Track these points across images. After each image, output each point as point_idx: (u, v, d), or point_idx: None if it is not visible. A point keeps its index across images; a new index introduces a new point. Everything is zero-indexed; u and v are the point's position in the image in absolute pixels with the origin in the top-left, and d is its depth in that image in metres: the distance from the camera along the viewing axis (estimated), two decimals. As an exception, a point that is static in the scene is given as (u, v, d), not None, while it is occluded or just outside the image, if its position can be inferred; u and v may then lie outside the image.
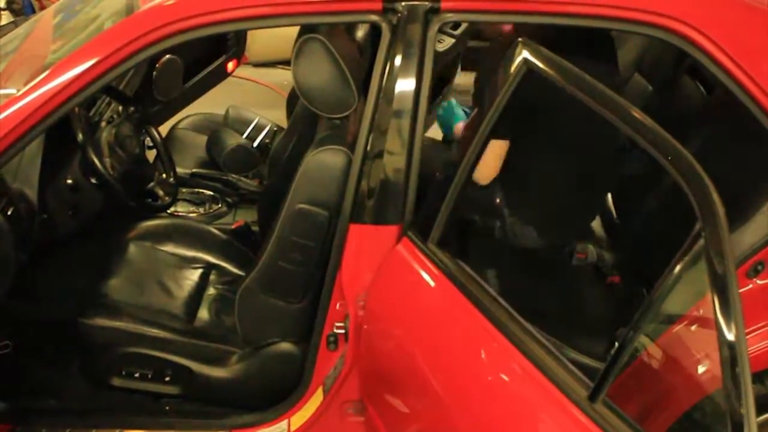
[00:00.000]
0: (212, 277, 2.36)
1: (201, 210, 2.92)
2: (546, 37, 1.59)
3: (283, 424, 1.98)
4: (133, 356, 2.07)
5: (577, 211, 2.09)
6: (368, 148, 1.68)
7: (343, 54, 1.71)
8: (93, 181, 2.27)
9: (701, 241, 1.09)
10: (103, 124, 2.46)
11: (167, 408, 2.12)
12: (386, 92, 1.63)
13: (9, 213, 1.82)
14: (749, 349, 1.05)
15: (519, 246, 2.06)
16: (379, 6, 1.60)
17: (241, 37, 3.44)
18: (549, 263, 2.16)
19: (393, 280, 1.70)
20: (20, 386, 2.09)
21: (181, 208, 2.89)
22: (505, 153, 1.83)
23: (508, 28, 2.00)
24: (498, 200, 2.01)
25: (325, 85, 1.72)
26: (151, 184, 2.57)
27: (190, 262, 2.38)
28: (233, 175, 2.98)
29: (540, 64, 1.43)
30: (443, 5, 1.59)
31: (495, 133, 1.62)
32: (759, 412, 1.44)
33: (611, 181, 2.17)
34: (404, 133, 1.65)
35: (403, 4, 1.59)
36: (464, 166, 1.55)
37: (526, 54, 1.46)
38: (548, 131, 1.86)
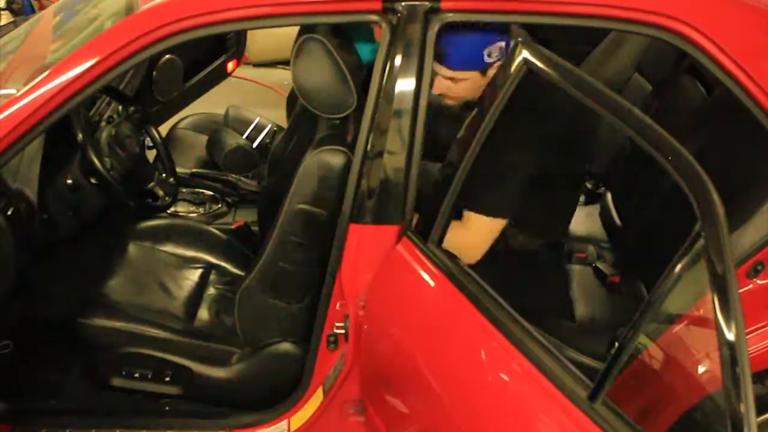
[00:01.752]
0: (212, 277, 2.36)
1: (201, 210, 2.92)
2: None
3: (283, 424, 1.98)
4: (133, 356, 2.07)
5: (566, 202, 2.10)
6: (368, 147, 1.68)
7: (342, 54, 1.71)
8: (93, 181, 2.28)
9: (701, 241, 1.09)
10: (103, 124, 2.46)
11: (167, 408, 2.12)
12: (386, 92, 1.63)
13: (9, 213, 1.82)
14: (749, 349, 1.05)
15: (516, 248, 2.05)
16: (378, 6, 1.60)
17: (241, 37, 3.44)
18: (548, 262, 2.16)
19: (393, 280, 1.70)
20: (20, 386, 2.09)
21: (181, 208, 2.89)
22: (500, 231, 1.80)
23: None
24: None
25: (325, 86, 1.72)
26: (151, 184, 2.57)
27: (190, 262, 2.38)
28: (233, 175, 2.98)
29: (540, 64, 1.43)
30: (443, 5, 1.59)
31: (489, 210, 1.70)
32: (759, 412, 1.44)
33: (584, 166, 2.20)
34: (404, 133, 1.65)
35: (402, 4, 1.59)
36: (464, 167, 1.55)
37: (525, 54, 1.46)
38: (536, 131, 1.86)
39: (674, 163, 1.17)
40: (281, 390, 2.01)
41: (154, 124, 2.66)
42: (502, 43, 1.75)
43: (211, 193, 2.98)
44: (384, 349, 1.72)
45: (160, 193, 2.57)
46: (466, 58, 1.75)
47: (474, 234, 1.78)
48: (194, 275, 2.33)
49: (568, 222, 2.13)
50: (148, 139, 2.60)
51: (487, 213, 1.77)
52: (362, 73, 1.85)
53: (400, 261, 1.66)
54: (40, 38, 2.05)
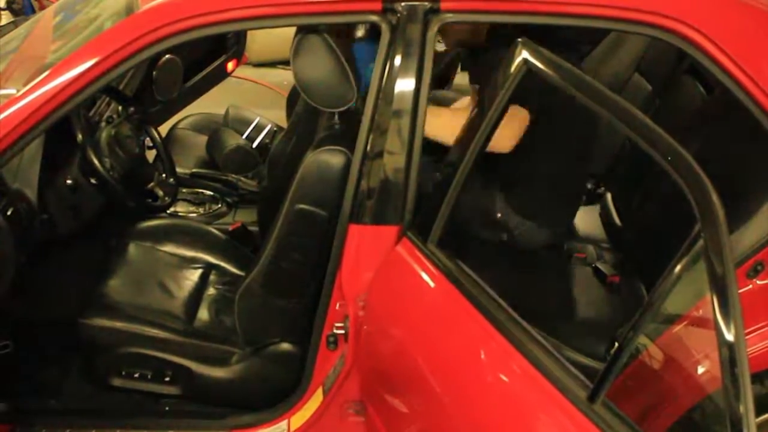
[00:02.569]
0: (212, 277, 2.35)
1: (201, 210, 2.92)
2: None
3: (283, 424, 1.98)
4: (133, 356, 2.07)
5: (576, 198, 2.11)
6: (368, 148, 1.68)
7: (342, 50, 1.71)
8: (93, 181, 2.28)
9: (701, 242, 1.09)
10: (103, 124, 2.47)
11: (167, 408, 2.12)
12: (386, 92, 1.63)
13: (9, 213, 1.83)
14: (749, 349, 1.05)
15: (525, 247, 2.06)
16: (378, 6, 1.60)
17: (241, 37, 3.44)
18: (548, 262, 2.16)
19: (393, 281, 1.70)
20: (20, 386, 2.09)
21: (181, 208, 2.89)
22: (526, 125, 1.82)
23: None
24: (500, 215, 2.01)
25: (325, 79, 1.72)
26: (151, 184, 2.57)
27: (190, 262, 2.38)
28: (233, 175, 2.98)
29: (539, 65, 1.43)
30: (443, 5, 1.59)
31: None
32: (758, 413, 1.44)
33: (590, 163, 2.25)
34: (404, 133, 1.65)
35: (402, 4, 1.59)
36: (464, 166, 1.55)
37: (525, 54, 1.46)
38: (548, 126, 1.87)
39: (673, 163, 1.17)
40: (281, 390, 2.01)
41: (154, 124, 2.66)
42: None
43: (211, 193, 2.98)
44: (384, 350, 1.72)
45: (160, 193, 2.57)
46: None
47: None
48: (194, 275, 2.33)
49: (574, 213, 2.14)
50: (148, 139, 2.61)
51: None
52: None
53: (399, 261, 1.66)
54: (40, 38, 2.05)
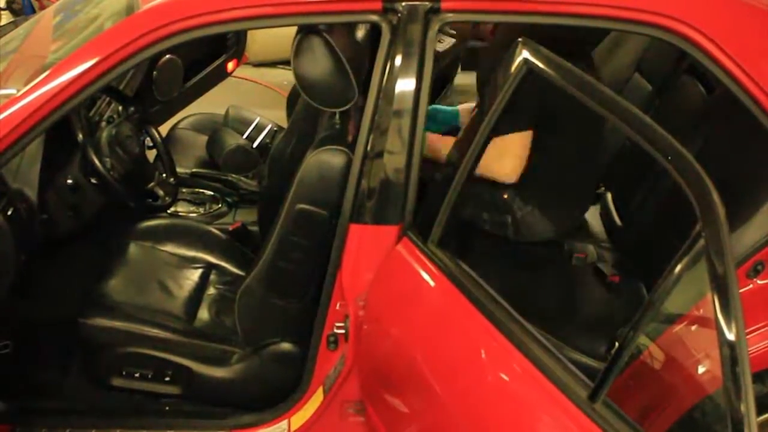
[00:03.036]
0: (212, 277, 2.35)
1: (201, 210, 2.92)
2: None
3: (283, 424, 1.98)
4: (133, 356, 2.07)
5: (586, 193, 2.12)
6: (368, 148, 1.68)
7: (342, 50, 1.71)
8: (93, 181, 2.28)
9: (701, 242, 1.09)
10: (103, 124, 2.47)
11: (167, 408, 2.12)
12: (386, 92, 1.64)
13: (9, 213, 1.82)
14: (749, 348, 1.05)
15: (528, 241, 2.06)
16: (378, 6, 1.60)
17: (241, 37, 3.44)
18: (549, 262, 2.16)
19: (393, 281, 1.70)
20: (20, 386, 2.09)
21: (181, 208, 2.88)
22: (529, 145, 1.86)
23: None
24: (506, 196, 2.01)
25: (325, 79, 1.71)
26: (151, 184, 2.56)
27: (190, 262, 2.37)
28: (233, 175, 2.98)
29: (540, 64, 1.43)
30: (443, 5, 1.59)
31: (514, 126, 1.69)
32: (759, 412, 1.44)
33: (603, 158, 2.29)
34: (404, 133, 1.65)
35: (403, 4, 1.59)
36: (464, 166, 1.55)
37: (526, 54, 1.46)
38: (555, 118, 1.87)
39: (674, 163, 1.17)
40: (281, 390, 2.01)
41: (154, 124, 2.66)
42: None
43: (211, 193, 2.98)
44: (384, 349, 1.72)
45: (160, 193, 2.57)
46: None
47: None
48: (194, 275, 2.33)
49: (581, 213, 2.14)
50: (148, 139, 2.60)
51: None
52: (363, 70, 1.85)
53: (400, 261, 1.67)
54: (40, 38, 2.05)
